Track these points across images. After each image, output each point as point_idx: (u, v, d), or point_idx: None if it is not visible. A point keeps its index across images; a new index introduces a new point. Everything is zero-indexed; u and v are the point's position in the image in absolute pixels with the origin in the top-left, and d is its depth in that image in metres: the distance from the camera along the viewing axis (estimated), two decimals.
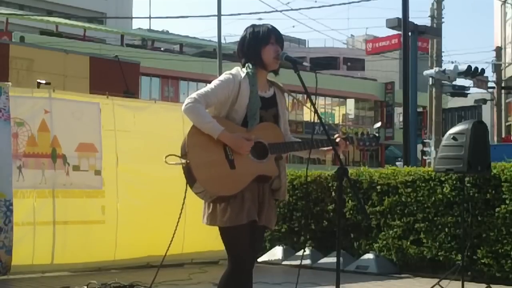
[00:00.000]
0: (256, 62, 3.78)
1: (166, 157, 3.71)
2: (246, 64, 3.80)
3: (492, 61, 33.07)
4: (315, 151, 3.87)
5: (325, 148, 3.89)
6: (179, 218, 3.97)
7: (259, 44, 3.76)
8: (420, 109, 33.11)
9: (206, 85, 3.81)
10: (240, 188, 3.60)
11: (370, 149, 4.10)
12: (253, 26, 3.85)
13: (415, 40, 19.63)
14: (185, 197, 3.78)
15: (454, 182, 7.86)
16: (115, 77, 10.83)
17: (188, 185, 3.68)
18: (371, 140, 4.02)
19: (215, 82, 3.74)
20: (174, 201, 3.93)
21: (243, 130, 3.67)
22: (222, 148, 3.61)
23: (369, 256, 8.62)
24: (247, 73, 3.76)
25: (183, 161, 3.63)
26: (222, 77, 3.76)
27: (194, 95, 3.67)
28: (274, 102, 3.87)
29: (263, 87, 3.83)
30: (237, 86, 3.71)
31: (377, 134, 4.09)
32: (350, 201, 8.92)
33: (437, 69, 23.01)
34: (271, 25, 3.84)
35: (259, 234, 3.80)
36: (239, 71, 3.79)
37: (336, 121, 45.64)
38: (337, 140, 3.84)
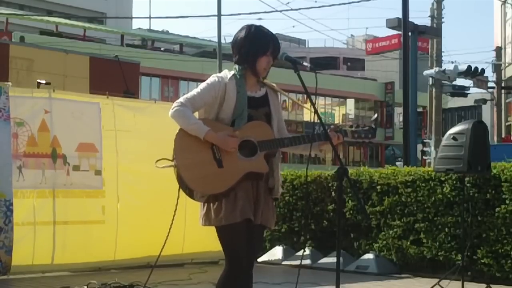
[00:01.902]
0: (248, 67, 3.81)
1: (157, 161, 3.76)
2: (235, 65, 3.84)
3: (492, 61, 33.06)
4: (309, 147, 3.82)
5: (318, 142, 3.85)
6: (172, 220, 3.98)
7: (257, 53, 3.78)
8: (420, 109, 33.12)
9: None
10: (228, 185, 3.62)
11: (367, 141, 4.04)
12: (256, 30, 3.83)
13: (415, 40, 19.65)
14: (177, 199, 3.79)
15: (454, 182, 7.86)
16: (115, 77, 10.83)
17: (180, 187, 3.71)
18: (367, 132, 3.95)
19: (202, 85, 3.80)
20: (174, 201, 3.93)
21: (231, 129, 3.69)
22: (210, 149, 3.64)
23: (369, 256, 8.62)
24: (234, 74, 3.81)
25: (172, 163, 3.68)
26: (209, 80, 3.82)
27: (180, 99, 3.76)
28: (265, 101, 3.88)
29: (252, 87, 3.86)
30: (223, 87, 3.75)
31: (373, 126, 4.05)
32: (350, 201, 8.92)
33: (437, 69, 23.02)
34: (272, 33, 3.84)
35: (257, 234, 3.81)
36: (227, 73, 3.84)
37: (336, 121, 45.60)
38: (328, 132, 3.77)
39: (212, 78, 3.80)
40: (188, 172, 3.62)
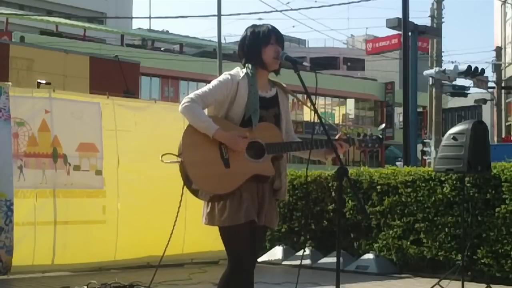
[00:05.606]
0: (256, 62, 3.79)
1: (162, 155, 3.73)
2: (246, 65, 3.82)
3: (492, 61, 33.05)
4: (315, 153, 3.84)
5: (324, 150, 3.87)
6: (176, 218, 3.97)
7: (260, 44, 3.77)
8: (420, 109, 33.11)
9: (206, 85, 3.82)
10: (234, 186, 3.61)
11: (373, 150, 4.08)
12: (254, 26, 3.86)
13: (415, 40, 19.64)
14: (182, 197, 3.79)
15: (454, 182, 7.86)
16: (115, 77, 10.85)
17: (184, 184, 3.69)
18: (374, 142, 3.97)
19: (213, 83, 3.76)
20: (175, 201, 3.93)
21: (241, 130, 3.67)
22: (217, 147, 3.62)
23: (369, 256, 8.62)
24: (246, 73, 3.77)
25: (179, 159, 3.65)
26: (221, 77, 3.78)
27: (191, 95, 3.71)
28: (275, 102, 3.87)
29: (263, 87, 3.84)
30: (235, 86, 3.72)
31: (380, 136, 4.08)
32: (350, 201, 8.93)
33: (437, 69, 23.01)
34: (271, 25, 3.85)
35: (259, 234, 3.80)
36: (239, 71, 3.80)
37: (336, 121, 45.63)
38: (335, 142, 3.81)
39: (224, 76, 3.77)
40: (195, 170, 3.60)
